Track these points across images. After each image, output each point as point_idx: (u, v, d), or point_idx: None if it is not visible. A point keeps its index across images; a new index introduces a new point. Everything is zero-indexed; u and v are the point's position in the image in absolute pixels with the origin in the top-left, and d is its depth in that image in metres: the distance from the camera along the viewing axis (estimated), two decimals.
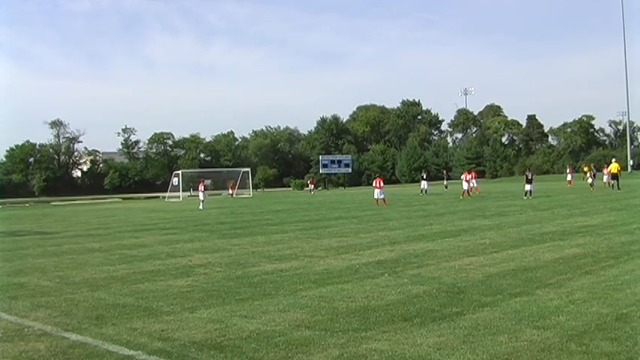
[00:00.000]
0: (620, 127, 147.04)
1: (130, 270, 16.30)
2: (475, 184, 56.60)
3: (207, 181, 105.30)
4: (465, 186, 52.14)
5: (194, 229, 29.63)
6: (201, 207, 50.81)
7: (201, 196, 54.15)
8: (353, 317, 9.93)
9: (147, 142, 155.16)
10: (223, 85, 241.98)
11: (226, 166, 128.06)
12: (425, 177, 64.95)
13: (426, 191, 61.47)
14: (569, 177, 72.48)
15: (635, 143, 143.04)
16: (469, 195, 50.75)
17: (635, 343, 7.98)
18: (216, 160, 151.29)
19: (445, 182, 76.12)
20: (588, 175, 59.27)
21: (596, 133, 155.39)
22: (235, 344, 8.69)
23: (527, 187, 46.04)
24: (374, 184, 47.98)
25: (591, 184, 55.49)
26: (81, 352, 8.62)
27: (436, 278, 13.15)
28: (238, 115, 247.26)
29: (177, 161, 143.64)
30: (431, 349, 8.11)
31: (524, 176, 49.13)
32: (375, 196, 45.23)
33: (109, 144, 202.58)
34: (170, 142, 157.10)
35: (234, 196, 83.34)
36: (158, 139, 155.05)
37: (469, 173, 56.51)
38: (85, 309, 11.44)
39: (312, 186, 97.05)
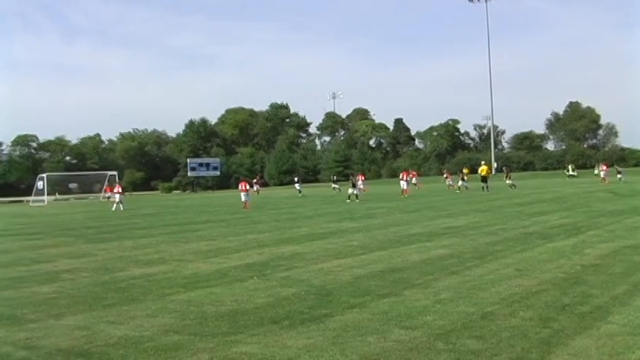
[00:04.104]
0: (485, 131, 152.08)
1: None
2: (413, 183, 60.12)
3: (73, 185, 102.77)
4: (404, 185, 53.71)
5: (59, 233, 28.79)
6: (113, 208, 51.17)
7: (117, 197, 53.72)
8: (222, 321, 9.86)
9: (10, 144, 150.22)
10: (89, 86, 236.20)
11: (93, 170, 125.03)
12: (297, 180, 69.24)
13: (300, 191, 65.32)
14: (448, 181, 68.05)
15: (499, 146, 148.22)
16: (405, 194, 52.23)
17: (499, 341, 8.21)
18: (83, 163, 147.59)
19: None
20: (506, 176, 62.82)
21: (461, 137, 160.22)
22: (103, 351, 8.49)
23: (351, 190, 47.58)
24: (239, 188, 48.01)
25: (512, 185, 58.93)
26: None
27: (305, 281, 13.19)
28: (105, 118, 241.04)
29: (42, 164, 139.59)
30: (300, 351, 8.14)
31: (349, 181, 50.43)
32: (243, 199, 45.17)
33: None
34: (35, 144, 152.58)
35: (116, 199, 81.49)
36: (22, 141, 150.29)
37: (407, 173, 58.63)
38: None
39: (258, 186, 78.05)
